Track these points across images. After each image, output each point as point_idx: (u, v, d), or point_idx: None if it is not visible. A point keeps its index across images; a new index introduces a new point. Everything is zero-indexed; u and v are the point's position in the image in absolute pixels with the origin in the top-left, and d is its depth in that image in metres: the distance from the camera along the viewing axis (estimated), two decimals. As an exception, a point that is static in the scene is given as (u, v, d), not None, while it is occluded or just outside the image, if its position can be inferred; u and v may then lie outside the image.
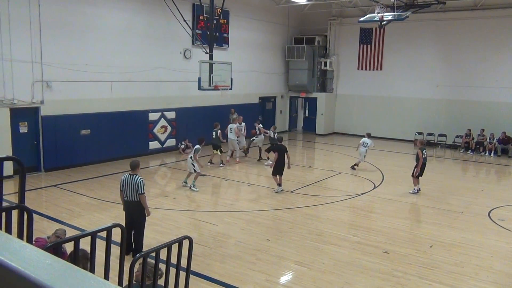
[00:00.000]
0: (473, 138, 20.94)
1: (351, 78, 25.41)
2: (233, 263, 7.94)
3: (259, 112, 20.73)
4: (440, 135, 22.48)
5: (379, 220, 10.76)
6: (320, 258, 8.24)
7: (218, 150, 15.84)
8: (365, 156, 16.08)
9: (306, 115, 27.09)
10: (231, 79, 18.10)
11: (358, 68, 25.01)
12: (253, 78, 23.03)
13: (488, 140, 20.53)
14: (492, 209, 11.59)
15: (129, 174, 7.93)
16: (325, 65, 25.38)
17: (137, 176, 7.84)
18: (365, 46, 24.63)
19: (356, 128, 24.39)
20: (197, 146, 12.86)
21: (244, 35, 22.06)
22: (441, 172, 16.60)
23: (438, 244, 8.97)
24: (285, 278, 7.63)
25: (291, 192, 12.93)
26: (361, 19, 18.82)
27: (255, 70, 23.11)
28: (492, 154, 20.20)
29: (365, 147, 15.99)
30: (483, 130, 20.63)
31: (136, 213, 7.95)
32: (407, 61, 23.36)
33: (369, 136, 16.43)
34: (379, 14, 17.64)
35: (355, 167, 16.06)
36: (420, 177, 12.97)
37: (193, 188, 12.59)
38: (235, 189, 13.65)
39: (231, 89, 18.35)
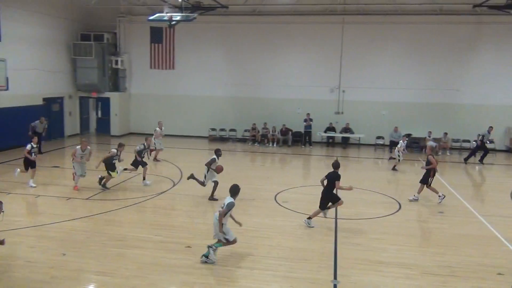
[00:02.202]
0: (258, 131, 23.26)
1: (145, 77, 25.20)
2: (23, 287, 7.00)
3: (44, 115, 18.71)
4: (231, 130, 24.28)
5: (181, 216, 10.99)
6: (124, 263, 7.95)
7: None
8: None
9: (99, 116, 25.75)
10: (7, 78, 15.87)
11: (151, 67, 24.97)
12: (35, 77, 20.65)
13: (271, 133, 23.10)
14: (278, 193, 13.08)
15: None
16: (117, 63, 24.50)
17: None
18: (156, 45, 24.71)
19: (153, 128, 24.24)
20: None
21: (20, 29, 19.53)
22: (234, 164, 17.90)
23: (236, 232, 9.65)
24: (85, 292, 7.11)
25: (86, 199, 12.10)
26: (150, 17, 18.80)
27: (36, 69, 20.77)
28: (275, 145, 22.82)
29: None
30: (266, 123, 23.11)
31: None
32: (198, 60, 24.41)
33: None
34: (168, 14, 17.90)
35: None
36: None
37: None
38: (19, 203, 12.05)
39: (7, 89, 16.08)
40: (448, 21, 21.90)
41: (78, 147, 13.10)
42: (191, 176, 12.53)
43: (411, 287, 7.43)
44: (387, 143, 22.44)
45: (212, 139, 24.17)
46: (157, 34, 24.49)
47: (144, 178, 13.90)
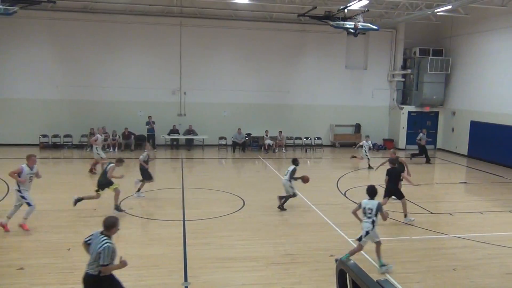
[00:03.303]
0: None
1: (-46, 78, 21.57)
2: None
3: None
4: (66, 135, 22.34)
5: (11, 235, 9.67)
6: None
7: None
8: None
9: None
10: None
11: (-38, 67, 21.50)
12: None
13: (111, 137, 21.96)
14: (122, 200, 12.47)
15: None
16: None
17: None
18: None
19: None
20: None
21: None
22: (71, 173, 16.52)
23: (76, 245, 8.90)
24: None
25: None
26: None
27: None
28: (116, 150, 21.76)
29: None
30: (104, 127, 21.78)
31: None
32: (22, 60, 21.81)
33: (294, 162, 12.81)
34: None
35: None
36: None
37: None
38: None
39: None
40: (278, 28, 23.75)
41: (24, 165, 9.95)
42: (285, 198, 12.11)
43: (258, 278, 7.84)
44: (230, 143, 23.34)
45: (44, 146, 21.88)
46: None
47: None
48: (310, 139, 24.65)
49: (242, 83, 23.91)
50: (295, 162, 12.36)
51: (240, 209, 12.21)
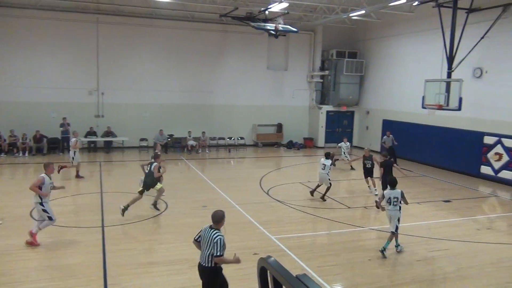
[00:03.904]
0: (4, 140, 20.30)
1: None
2: None
3: None
4: (-33, 140, 20.40)
5: None
6: None
7: None
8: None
9: None
10: None
11: None
12: None
13: (20, 140, 20.44)
14: (33, 208, 11.64)
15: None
16: None
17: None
18: None
19: None
20: None
21: None
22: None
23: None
24: None
25: None
26: None
27: None
28: (26, 154, 20.29)
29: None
30: (12, 130, 20.36)
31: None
32: None
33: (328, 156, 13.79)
34: None
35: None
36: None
37: None
38: None
39: None
40: (200, 28, 23.59)
41: (44, 174, 9.14)
42: None
43: (182, 281, 7.72)
44: (151, 144, 22.75)
45: None
46: None
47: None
48: (233, 139, 24.79)
49: (164, 83, 23.42)
50: (329, 156, 13.67)
51: (162, 212, 11.94)
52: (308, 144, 25.99)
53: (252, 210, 12.13)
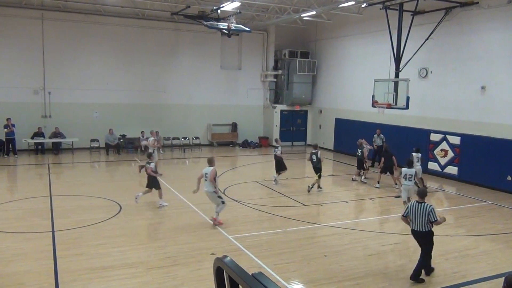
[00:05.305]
0: None
1: None
2: None
3: None
4: None
5: None
6: None
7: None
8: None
9: None
10: None
11: None
12: None
13: (-40, 143, 19.26)
14: None
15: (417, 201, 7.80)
16: None
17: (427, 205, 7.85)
18: None
19: None
20: None
21: None
22: None
23: None
24: None
25: None
26: None
27: None
28: (-33, 157, 19.15)
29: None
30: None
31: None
32: None
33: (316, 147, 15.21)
34: None
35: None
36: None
37: None
38: None
39: None
40: (151, 26, 23.15)
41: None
42: None
43: (137, 285, 7.56)
44: (103, 145, 22.10)
45: None
46: None
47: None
48: (188, 139, 24.54)
49: (114, 82, 22.78)
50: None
51: (116, 214, 11.63)
52: (263, 143, 26.16)
53: (208, 210, 12.04)
